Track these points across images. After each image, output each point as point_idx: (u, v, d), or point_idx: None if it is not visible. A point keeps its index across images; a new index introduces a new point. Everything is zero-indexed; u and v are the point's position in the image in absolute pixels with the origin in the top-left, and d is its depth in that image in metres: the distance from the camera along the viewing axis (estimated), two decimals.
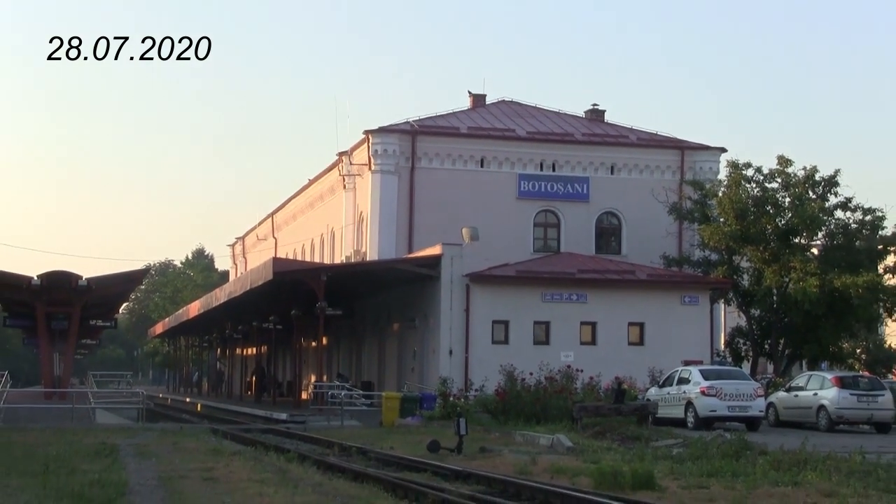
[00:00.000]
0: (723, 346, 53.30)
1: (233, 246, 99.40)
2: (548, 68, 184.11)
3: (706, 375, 35.04)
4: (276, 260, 50.71)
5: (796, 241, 49.23)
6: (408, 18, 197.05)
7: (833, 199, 49.44)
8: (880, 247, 50.02)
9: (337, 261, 60.77)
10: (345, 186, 59.83)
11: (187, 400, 69.58)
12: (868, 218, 49.46)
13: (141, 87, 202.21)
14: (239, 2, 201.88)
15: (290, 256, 69.60)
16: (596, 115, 63.03)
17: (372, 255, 55.16)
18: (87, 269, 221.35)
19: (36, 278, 52.59)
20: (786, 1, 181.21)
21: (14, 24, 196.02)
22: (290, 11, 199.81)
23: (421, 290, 48.20)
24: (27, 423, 37.37)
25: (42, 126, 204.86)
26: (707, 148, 59.57)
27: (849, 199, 49.56)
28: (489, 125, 59.00)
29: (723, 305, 53.90)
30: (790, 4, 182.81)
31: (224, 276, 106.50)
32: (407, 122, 57.56)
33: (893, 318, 50.88)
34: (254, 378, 66.43)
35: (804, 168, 49.55)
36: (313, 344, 57.68)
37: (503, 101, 63.65)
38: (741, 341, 52.44)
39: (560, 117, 61.93)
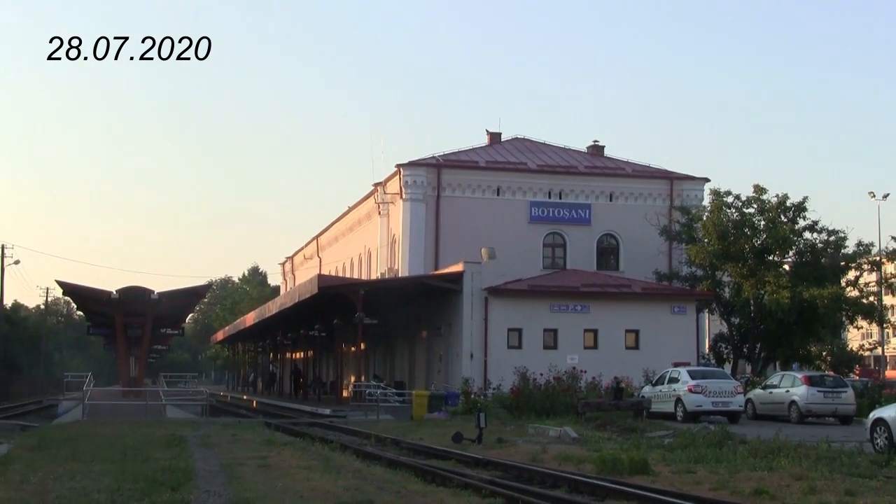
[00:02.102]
0: (707, 350, 53.04)
1: (283, 264, 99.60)
2: (555, 109, 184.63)
3: (693, 375, 34.91)
4: (320, 276, 50.85)
5: (770, 258, 49.05)
6: (433, 69, 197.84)
7: (802, 222, 49.30)
8: (843, 263, 49.82)
9: (373, 277, 60.79)
10: (379, 213, 59.92)
11: (244, 397, 69.58)
12: (832, 238, 49.34)
13: (202, 128, 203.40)
14: (295, 53, 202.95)
15: (333, 273, 69.74)
16: (596, 149, 62.97)
17: (403, 271, 55.21)
18: (159, 284, 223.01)
19: (115, 293, 52.98)
20: (766, 52, 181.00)
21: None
22: (337, 67, 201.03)
23: (446, 302, 48.20)
24: (108, 418, 37.66)
25: (117, 153, 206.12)
26: (693, 178, 59.41)
27: (815, 222, 49.48)
28: (504, 159, 59.00)
29: (707, 314, 53.70)
30: (770, 55, 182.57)
31: (276, 290, 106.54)
32: (433, 157, 57.62)
33: (854, 324, 50.65)
34: (292, 379, 66.67)
35: (777, 195, 49.48)
36: (353, 349, 57.68)
37: (516, 138, 63.65)
38: (723, 345, 52.24)
39: (565, 152, 61.87)
